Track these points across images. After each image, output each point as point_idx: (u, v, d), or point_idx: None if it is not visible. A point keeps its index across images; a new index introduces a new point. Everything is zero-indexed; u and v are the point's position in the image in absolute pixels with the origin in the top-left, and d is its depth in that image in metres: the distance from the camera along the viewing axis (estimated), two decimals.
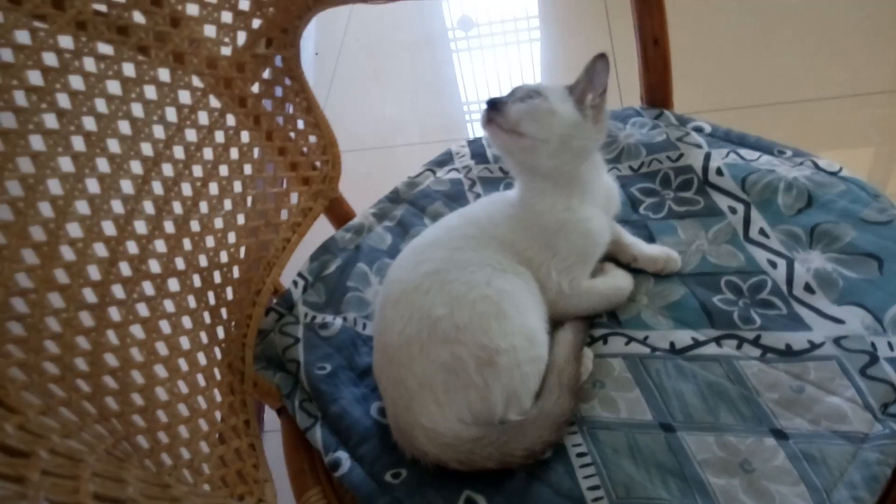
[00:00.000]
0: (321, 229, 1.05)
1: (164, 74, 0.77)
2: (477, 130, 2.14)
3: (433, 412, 0.73)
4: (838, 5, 2.08)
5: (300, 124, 0.97)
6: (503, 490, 0.71)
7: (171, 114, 0.78)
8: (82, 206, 0.66)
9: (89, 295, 0.64)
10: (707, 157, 0.96)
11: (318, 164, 1.01)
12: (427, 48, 2.48)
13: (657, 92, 1.04)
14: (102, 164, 0.69)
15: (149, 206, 0.74)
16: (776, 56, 1.98)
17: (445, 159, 1.13)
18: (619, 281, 0.86)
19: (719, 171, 0.94)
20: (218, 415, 0.74)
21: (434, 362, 0.74)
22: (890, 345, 0.73)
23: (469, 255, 0.80)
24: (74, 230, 0.65)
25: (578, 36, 2.30)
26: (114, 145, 0.70)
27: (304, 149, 0.99)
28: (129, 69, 0.73)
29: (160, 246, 0.75)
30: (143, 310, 0.70)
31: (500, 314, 0.75)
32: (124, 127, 0.72)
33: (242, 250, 0.87)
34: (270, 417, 0.86)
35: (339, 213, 1.07)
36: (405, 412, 0.75)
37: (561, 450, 0.74)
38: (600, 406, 0.77)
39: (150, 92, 0.75)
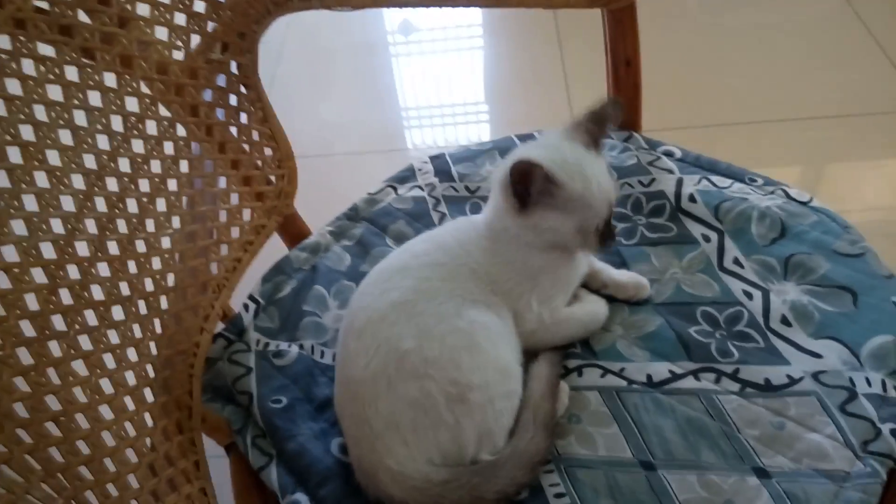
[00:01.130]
0: (273, 248, 0.98)
1: (110, 80, 0.70)
2: (416, 140, 2.10)
3: (400, 453, 0.69)
4: (785, 31, 2.15)
5: (255, 135, 0.91)
6: None
7: (116, 123, 0.70)
8: (18, 227, 0.58)
9: (27, 328, 0.56)
10: (679, 183, 0.94)
11: (272, 178, 0.95)
12: (367, 53, 2.43)
13: (627, 114, 1.03)
14: (41, 179, 0.61)
15: (91, 225, 0.66)
16: (726, 78, 2.02)
17: (407, 175, 1.08)
18: (595, 307, 0.83)
19: (692, 198, 0.92)
20: (166, 457, 0.67)
21: (401, 399, 0.69)
22: (868, 380, 0.73)
23: (438, 284, 0.76)
24: (9, 253, 0.57)
25: (525, 50, 2.29)
26: (54, 157, 0.63)
27: (259, 162, 0.92)
28: (71, 73, 0.66)
29: (103, 269, 0.67)
30: (85, 343, 0.62)
31: (472, 347, 0.72)
32: (65, 137, 0.65)
33: (190, 271, 0.80)
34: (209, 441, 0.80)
35: (294, 230, 1.00)
36: (369, 453, 0.70)
37: (538, 490, 0.70)
38: (577, 442, 0.73)
39: (95, 98, 0.68)
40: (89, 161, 0.68)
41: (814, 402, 0.72)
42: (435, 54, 2.39)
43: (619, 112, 0.81)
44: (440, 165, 1.07)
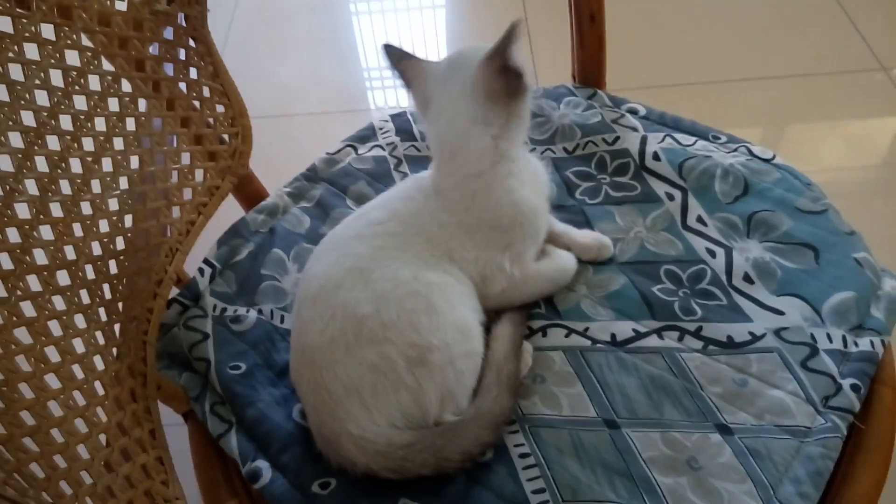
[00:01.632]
0: (229, 210, 0.94)
1: (47, 31, 0.65)
2: (378, 100, 2.05)
3: (361, 418, 0.67)
4: None
5: (206, 92, 0.87)
6: (442, 496, 0.67)
7: (56, 77, 0.66)
8: None
9: None
10: (643, 141, 0.93)
11: (225, 137, 0.91)
12: (325, 11, 2.36)
13: (590, 71, 1.01)
14: None
15: (31, 186, 0.63)
16: (688, 37, 2.02)
17: (367, 135, 1.05)
18: (564, 262, 0.82)
19: (656, 156, 0.92)
20: (118, 426, 0.65)
21: (360, 364, 0.68)
22: (829, 336, 0.74)
23: (393, 253, 0.74)
24: None
25: (488, 8, 2.25)
26: None
27: (211, 119, 0.88)
28: (5, 24, 0.61)
29: (46, 232, 0.64)
30: (28, 309, 0.59)
31: (430, 308, 0.70)
32: (0, 92, 0.60)
33: (141, 235, 0.76)
34: (166, 410, 0.78)
35: (250, 191, 0.97)
36: (329, 419, 0.68)
37: (502, 450, 0.70)
38: (541, 402, 0.73)
39: (32, 51, 0.63)
40: (28, 118, 0.63)
41: (776, 358, 0.73)
42: (396, 12, 2.33)
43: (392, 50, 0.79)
44: (401, 124, 1.04)
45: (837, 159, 1.72)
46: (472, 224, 0.77)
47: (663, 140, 0.94)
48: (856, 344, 0.73)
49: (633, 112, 1.00)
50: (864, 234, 0.83)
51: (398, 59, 0.79)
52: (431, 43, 2.21)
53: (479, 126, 0.74)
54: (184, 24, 0.81)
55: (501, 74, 0.72)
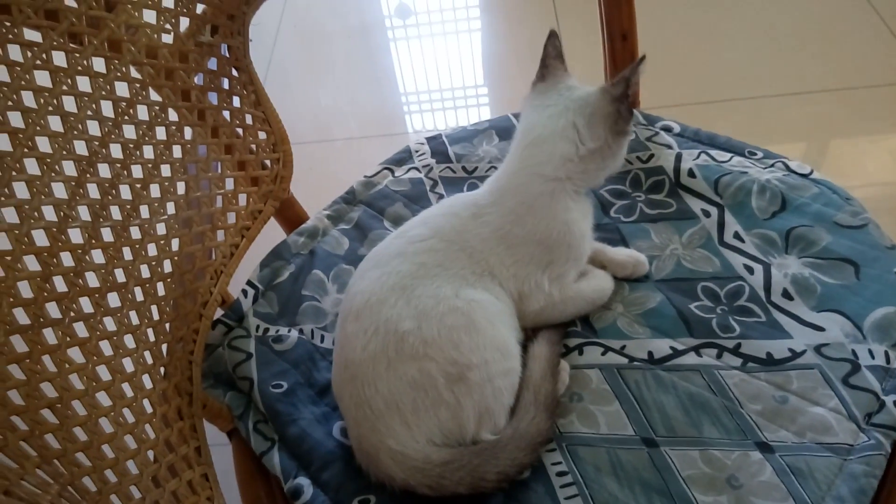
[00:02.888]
0: (271, 233, 0.97)
1: (98, 64, 0.69)
2: (416, 124, 2.08)
3: (401, 433, 0.68)
4: (784, 3, 2.12)
5: (248, 119, 0.90)
6: None
7: (106, 108, 0.69)
8: (9, 214, 0.57)
9: (21, 316, 0.56)
10: (678, 158, 0.94)
11: (267, 162, 0.94)
12: (364, 36, 2.41)
13: None
14: (31, 166, 0.60)
15: (84, 212, 0.66)
16: (723, 53, 2.00)
17: (404, 157, 1.07)
18: (602, 282, 0.83)
19: (691, 173, 0.91)
20: (166, 443, 0.67)
21: (401, 380, 0.69)
22: (871, 352, 0.72)
23: (435, 269, 0.75)
24: (1, 241, 0.56)
25: (523, 28, 2.27)
26: (44, 144, 0.62)
27: (253, 146, 0.91)
28: (59, 58, 0.64)
29: (97, 256, 0.67)
30: (81, 330, 0.62)
31: (470, 327, 0.71)
32: (55, 123, 0.64)
33: (187, 258, 0.79)
34: (212, 430, 0.80)
35: (291, 215, 0.99)
36: (370, 434, 0.69)
37: (540, 469, 0.70)
38: (579, 421, 0.73)
39: (84, 84, 0.67)
40: (80, 147, 0.67)
41: (816, 375, 0.72)
42: (433, 37, 2.36)
43: (559, 41, 0.85)
44: (437, 146, 1.06)
45: (882, 174, 1.69)
46: (517, 237, 0.78)
47: (698, 157, 0.94)
48: None
49: (668, 129, 1.00)
50: None
51: (555, 54, 0.84)
52: (468, 65, 2.24)
53: (573, 134, 0.78)
54: (227, 54, 0.84)
55: (615, 101, 0.76)
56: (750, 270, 0.82)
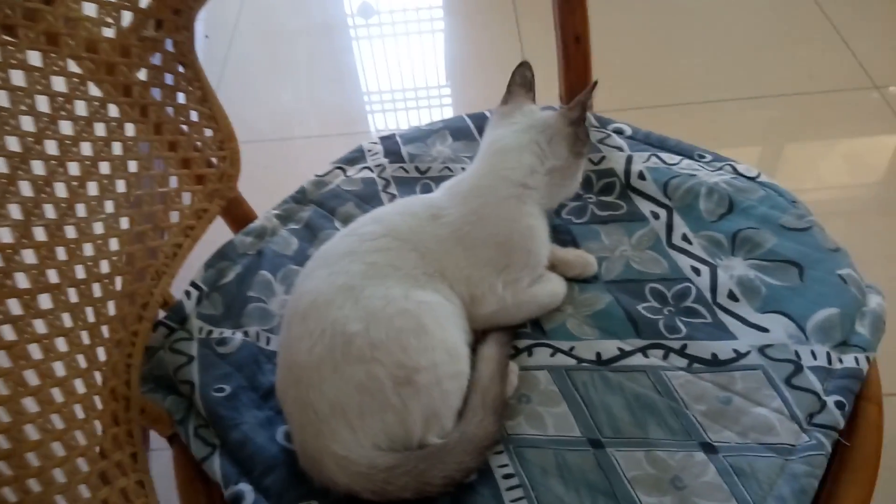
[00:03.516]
0: (217, 233, 0.95)
1: (34, 58, 0.66)
2: (377, 123, 2.07)
3: (346, 438, 0.67)
4: (738, 9, 2.16)
5: (193, 116, 0.88)
6: None
7: (42, 103, 0.67)
8: None
9: None
10: (629, 161, 0.94)
11: (214, 160, 0.91)
12: (326, 35, 2.39)
13: (577, 91, 0.99)
14: None
15: (15, 211, 0.63)
16: (681, 58, 2.03)
17: (356, 157, 1.05)
18: (555, 286, 0.83)
19: (641, 175, 0.92)
20: (98, 450, 0.64)
21: (348, 383, 0.68)
22: (813, 353, 0.73)
23: (386, 269, 0.74)
24: None
25: (485, 30, 2.27)
26: None
27: (199, 143, 0.89)
28: None
29: (29, 257, 0.64)
30: (8, 333, 0.59)
31: (419, 329, 0.70)
32: None
33: (126, 259, 0.77)
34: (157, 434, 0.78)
35: (238, 214, 0.97)
36: (314, 438, 0.68)
37: (486, 471, 0.69)
38: (526, 422, 0.73)
39: (18, 78, 0.64)
40: (12, 143, 0.64)
41: (760, 376, 0.73)
42: (395, 37, 2.35)
43: (531, 72, 0.88)
44: (390, 146, 1.05)
45: (835, 177, 1.72)
46: (476, 239, 0.77)
47: (648, 159, 0.94)
48: (840, 360, 0.73)
49: (619, 132, 1.00)
50: (860, 251, 0.84)
51: (521, 82, 0.88)
52: (431, 66, 2.23)
53: (537, 149, 0.81)
54: (171, 49, 0.82)
55: (572, 124, 0.81)
56: (697, 272, 0.82)
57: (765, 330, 0.76)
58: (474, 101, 2.04)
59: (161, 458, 0.78)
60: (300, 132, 2.05)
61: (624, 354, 0.77)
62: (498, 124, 0.85)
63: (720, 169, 0.92)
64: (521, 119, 0.83)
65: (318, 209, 0.98)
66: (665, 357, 0.76)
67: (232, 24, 2.33)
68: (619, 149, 0.96)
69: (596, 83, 0.83)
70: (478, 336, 0.78)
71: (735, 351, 0.75)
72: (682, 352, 0.76)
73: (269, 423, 0.76)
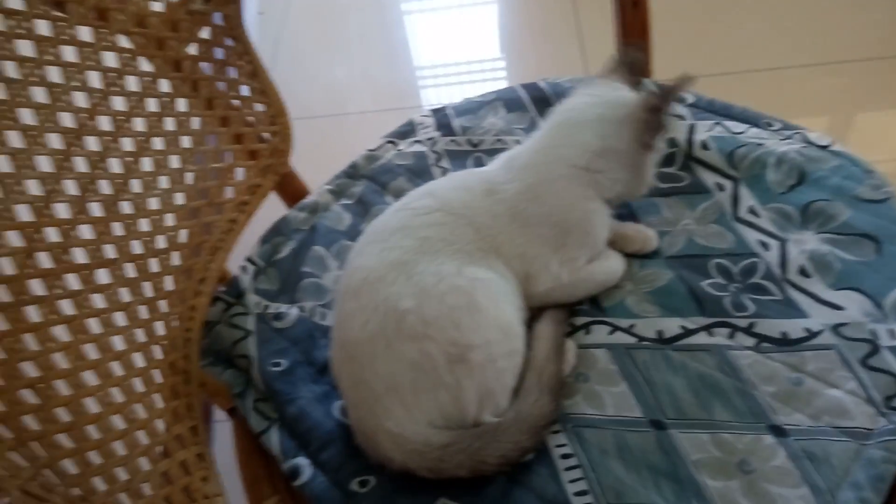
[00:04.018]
0: (272, 208, 0.95)
1: (85, 34, 0.66)
2: (430, 98, 2.05)
3: (400, 416, 0.67)
4: None
5: (244, 91, 0.87)
6: (482, 496, 0.66)
7: (94, 79, 0.67)
8: None
9: (1, 293, 0.54)
10: (691, 130, 0.90)
11: (265, 135, 0.91)
12: (378, 10, 2.36)
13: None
14: (14, 139, 0.58)
15: (71, 187, 0.64)
16: (744, 23, 1.94)
17: (407, 130, 1.04)
18: (613, 264, 0.80)
19: (705, 145, 0.88)
20: (160, 423, 0.65)
21: (400, 360, 0.67)
22: (891, 332, 0.69)
23: (439, 245, 0.72)
24: None
25: (538, 1, 2.21)
26: (28, 116, 0.60)
27: (250, 118, 0.88)
28: (43, 27, 0.62)
29: (86, 232, 0.65)
30: (67, 307, 0.60)
31: (472, 306, 0.69)
32: (40, 95, 0.62)
33: (182, 234, 0.77)
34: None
35: (291, 190, 0.97)
36: (369, 415, 0.68)
37: (544, 451, 0.68)
38: (585, 402, 0.71)
39: (70, 54, 0.65)
40: (67, 119, 0.65)
41: (833, 356, 0.69)
42: (448, 10, 2.31)
43: (641, 57, 0.82)
44: (441, 119, 1.03)
45: None
46: (533, 216, 0.75)
47: (713, 128, 0.90)
48: None
49: (681, 100, 0.96)
50: None
51: (626, 62, 0.83)
52: (483, 38, 2.19)
53: (600, 127, 0.76)
54: (221, 23, 0.82)
55: (649, 111, 0.74)
56: (765, 247, 0.79)
57: (839, 308, 0.72)
58: (528, 73, 2.00)
59: (224, 428, 0.79)
60: (353, 108, 2.05)
61: (687, 333, 0.74)
62: (579, 92, 0.81)
63: (790, 138, 0.88)
64: (599, 91, 0.79)
65: (371, 184, 0.97)
66: (731, 336, 0.72)
67: (284, 2, 2.33)
68: (681, 117, 0.92)
69: (691, 78, 0.74)
70: (534, 314, 0.77)
71: (807, 330, 0.71)
72: (749, 330, 0.72)
73: (326, 397, 0.76)
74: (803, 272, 0.76)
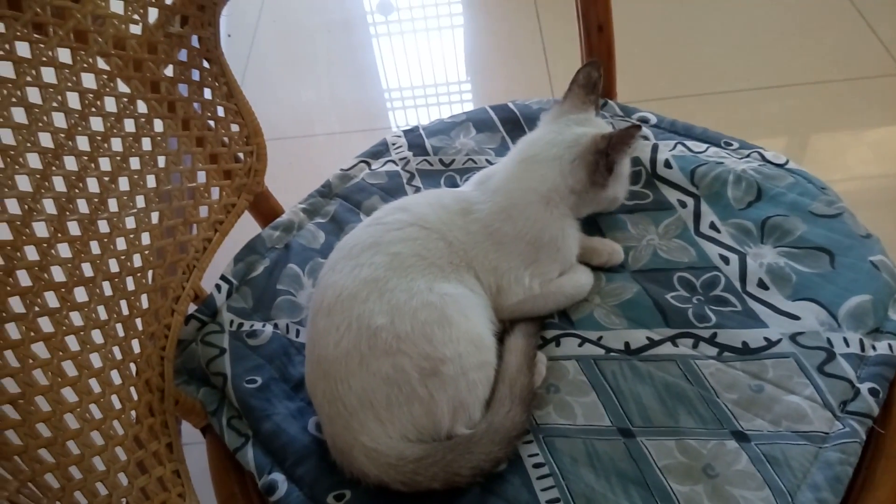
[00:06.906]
0: (246, 228, 0.96)
1: (64, 55, 0.67)
2: (398, 119, 2.07)
3: (375, 430, 0.68)
4: None
5: (220, 111, 0.88)
6: None
7: (73, 100, 0.68)
8: None
9: None
10: (654, 149, 0.93)
11: (240, 155, 0.92)
12: (345, 32, 2.39)
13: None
14: None
15: (49, 205, 0.64)
16: (705, 48, 2.01)
17: (380, 150, 1.06)
18: (582, 278, 0.82)
19: (667, 164, 0.91)
20: (135, 440, 0.66)
21: (374, 376, 0.68)
22: (846, 340, 0.73)
23: (411, 260, 0.74)
24: None
25: (504, 22, 2.26)
26: (6, 136, 0.61)
27: (226, 139, 0.90)
28: (23, 49, 0.63)
29: (63, 250, 0.65)
30: (46, 325, 0.60)
31: (443, 320, 0.71)
32: (18, 115, 0.62)
33: (158, 253, 0.78)
34: (189, 429, 0.79)
35: (266, 209, 0.98)
36: (343, 431, 0.69)
37: (516, 461, 0.70)
38: (556, 412, 0.73)
39: (49, 75, 0.65)
40: (45, 139, 0.65)
41: (792, 363, 0.72)
42: (415, 32, 2.35)
43: (599, 73, 0.85)
44: (414, 139, 1.05)
45: (863, 167, 1.70)
46: (507, 235, 0.78)
47: (675, 148, 0.94)
48: (874, 347, 0.72)
49: (645, 121, 1.00)
50: (891, 241, 0.82)
51: (584, 82, 0.86)
52: (451, 61, 2.23)
53: (559, 166, 0.80)
54: (197, 45, 0.83)
55: (597, 153, 0.78)
56: (725, 260, 0.82)
57: (796, 318, 0.75)
58: (495, 94, 2.04)
59: (194, 451, 0.79)
60: (322, 129, 2.06)
61: (653, 343, 0.76)
62: (546, 122, 0.85)
63: (748, 156, 0.92)
64: (560, 129, 0.82)
65: (344, 202, 0.99)
66: (695, 346, 0.75)
67: (253, 23, 2.35)
68: (645, 137, 0.96)
69: (639, 127, 0.81)
70: (505, 327, 0.79)
71: (766, 339, 0.74)
72: (712, 340, 0.75)
73: (301, 413, 0.77)
74: (762, 284, 0.79)
